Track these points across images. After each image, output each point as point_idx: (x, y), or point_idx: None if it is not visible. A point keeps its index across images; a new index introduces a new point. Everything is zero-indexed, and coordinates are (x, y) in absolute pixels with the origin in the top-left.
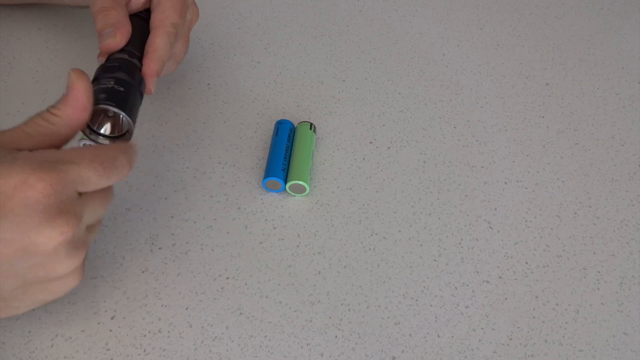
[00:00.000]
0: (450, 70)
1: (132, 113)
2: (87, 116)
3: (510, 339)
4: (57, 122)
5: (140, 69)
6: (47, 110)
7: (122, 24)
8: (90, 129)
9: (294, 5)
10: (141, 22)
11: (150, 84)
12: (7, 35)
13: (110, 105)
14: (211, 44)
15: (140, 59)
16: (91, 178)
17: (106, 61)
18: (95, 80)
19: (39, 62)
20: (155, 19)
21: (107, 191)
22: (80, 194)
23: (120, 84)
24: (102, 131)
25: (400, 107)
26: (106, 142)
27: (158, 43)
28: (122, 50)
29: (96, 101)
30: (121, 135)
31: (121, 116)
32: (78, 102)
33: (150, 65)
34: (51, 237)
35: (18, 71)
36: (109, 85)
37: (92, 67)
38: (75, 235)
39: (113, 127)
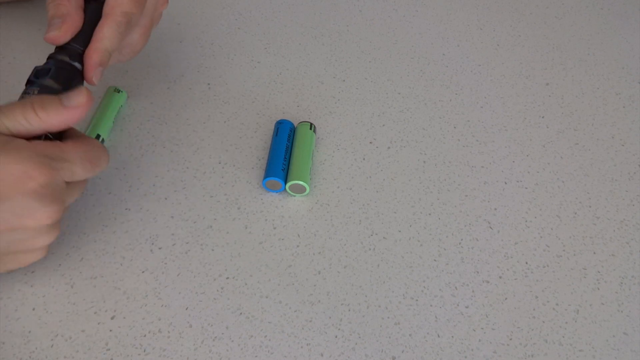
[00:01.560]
0: (450, 70)
1: None
2: (63, 129)
3: (510, 339)
4: (36, 125)
5: (81, 71)
6: (33, 108)
7: (70, 17)
8: None
9: (294, 5)
10: (97, 9)
11: (91, 74)
12: (7, 35)
13: None
14: (211, 44)
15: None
16: (80, 173)
17: (49, 57)
18: (27, 83)
19: (38, 62)
20: (107, 6)
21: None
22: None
23: (44, 91)
24: None
25: (400, 107)
26: None
27: (104, 32)
28: (65, 47)
29: None
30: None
31: None
32: (68, 121)
33: (92, 56)
34: (41, 220)
35: (18, 71)
36: (33, 94)
37: None
38: (59, 218)
39: None
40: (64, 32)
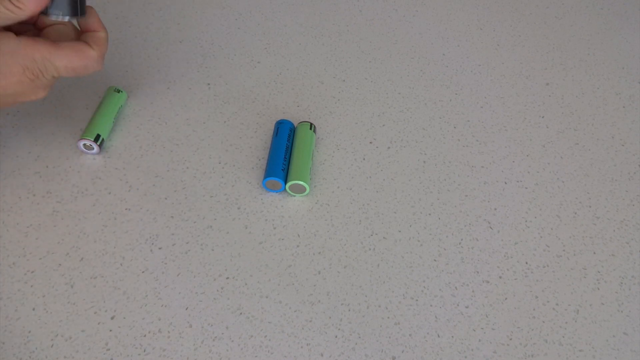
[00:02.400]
0: (450, 70)
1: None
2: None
3: (510, 339)
4: (19, 13)
5: None
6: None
7: None
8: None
9: (294, 5)
10: None
11: None
12: None
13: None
14: (211, 44)
15: None
16: (64, 74)
17: None
18: None
19: None
20: None
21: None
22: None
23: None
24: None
25: (400, 107)
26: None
27: None
28: None
29: None
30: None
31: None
32: (42, 4)
33: None
34: (30, 99)
35: None
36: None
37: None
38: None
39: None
40: None
